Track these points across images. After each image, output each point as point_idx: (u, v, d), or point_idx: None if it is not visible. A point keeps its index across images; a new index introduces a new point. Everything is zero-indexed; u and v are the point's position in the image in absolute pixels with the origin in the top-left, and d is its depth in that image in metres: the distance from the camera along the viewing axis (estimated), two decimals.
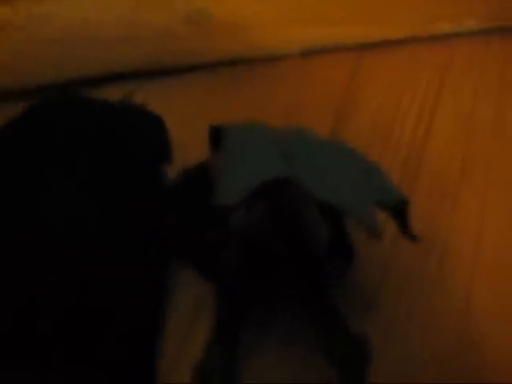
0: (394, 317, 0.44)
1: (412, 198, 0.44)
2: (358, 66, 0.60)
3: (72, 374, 0.37)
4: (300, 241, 0.40)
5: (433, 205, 0.50)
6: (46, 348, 0.37)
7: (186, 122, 0.52)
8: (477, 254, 0.47)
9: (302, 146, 0.39)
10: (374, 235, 0.33)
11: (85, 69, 0.55)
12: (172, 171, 0.46)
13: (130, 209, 0.41)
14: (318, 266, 0.39)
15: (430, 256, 0.47)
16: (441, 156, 0.53)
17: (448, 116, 0.56)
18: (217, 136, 0.41)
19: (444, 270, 0.46)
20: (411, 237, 0.37)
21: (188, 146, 0.48)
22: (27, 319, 0.37)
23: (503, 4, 0.62)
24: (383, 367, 0.39)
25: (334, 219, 0.43)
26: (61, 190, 0.41)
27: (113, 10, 0.59)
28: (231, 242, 0.39)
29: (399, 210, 0.37)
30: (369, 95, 0.58)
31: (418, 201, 0.49)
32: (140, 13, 0.59)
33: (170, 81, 0.57)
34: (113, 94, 0.50)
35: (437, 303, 0.44)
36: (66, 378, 0.37)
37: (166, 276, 0.42)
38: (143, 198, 0.42)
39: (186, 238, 0.44)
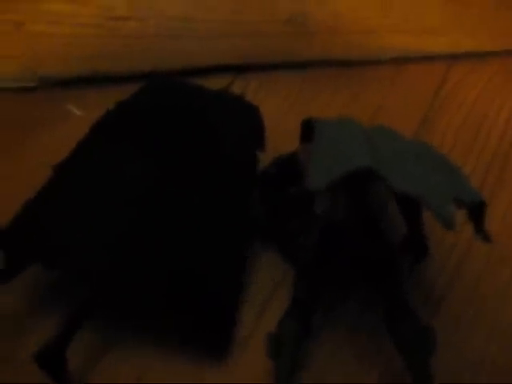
0: (459, 321, 0.44)
1: (492, 206, 0.45)
2: (448, 75, 0.61)
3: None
4: (378, 232, 0.42)
5: None
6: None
7: (276, 116, 0.54)
8: None
9: (386, 142, 0.41)
10: (448, 226, 0.34)
11: (186, 60, 0.59)
12: (263, 161, 0.48)
13: (218, 187, 0.44)
14: (393, 257, 0.42)
15: (504, 265, 0.47)
16: None
17: None
18: (308, 128, 0.44)
19: None
20: (486, 237, 0.38)
21: (277, 139, 0.50)
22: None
23: None
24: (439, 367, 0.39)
25: (411, 215, 0.45)
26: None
27: (216, 10, 0.63)
28: (313, 228, 0.42)
29: (477, 212, 0.38)
30: (456, 104, 0.59)
31: (497, 209, 0.50)
32: (241, 14, 0.63)
33: (263, 76, 0.59)
34: (210, 84, 0.53)
35: (505, 314, 0.44)
36: None
37: (247, 251, 0.45)
38: (234, 180, 0.45)
39: (271, 222, 0.46)
